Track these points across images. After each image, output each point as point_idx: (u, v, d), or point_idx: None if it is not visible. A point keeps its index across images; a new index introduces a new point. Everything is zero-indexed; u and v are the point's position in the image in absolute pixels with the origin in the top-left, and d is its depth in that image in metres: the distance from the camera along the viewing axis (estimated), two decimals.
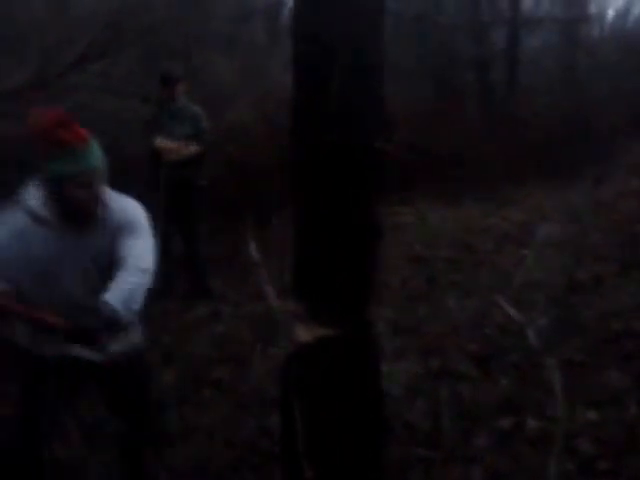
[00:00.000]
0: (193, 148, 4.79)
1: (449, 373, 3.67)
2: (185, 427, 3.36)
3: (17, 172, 2.55)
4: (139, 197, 2.56)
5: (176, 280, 5.05)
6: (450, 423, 3.11)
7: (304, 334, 2.03)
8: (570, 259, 5.37)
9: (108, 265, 2.34)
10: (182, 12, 6.16)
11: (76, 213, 2.31)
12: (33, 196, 2.30)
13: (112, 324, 2.32)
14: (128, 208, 2.44)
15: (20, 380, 2.53)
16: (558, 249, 5.52)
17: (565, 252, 5.52)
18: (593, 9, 13.41)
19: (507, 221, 6.99)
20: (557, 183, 8.35)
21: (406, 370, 3.72)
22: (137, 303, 2.32)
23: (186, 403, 3.60)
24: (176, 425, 3.35)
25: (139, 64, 6.14)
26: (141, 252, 2.37)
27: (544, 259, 5.19)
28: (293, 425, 2.09)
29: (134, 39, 5.22)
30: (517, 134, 9.14)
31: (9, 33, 5.22)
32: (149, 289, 2.37)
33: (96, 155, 2.28)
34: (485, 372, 3.69)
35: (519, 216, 7.09)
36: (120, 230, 2.37)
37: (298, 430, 2.06)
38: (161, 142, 4.72)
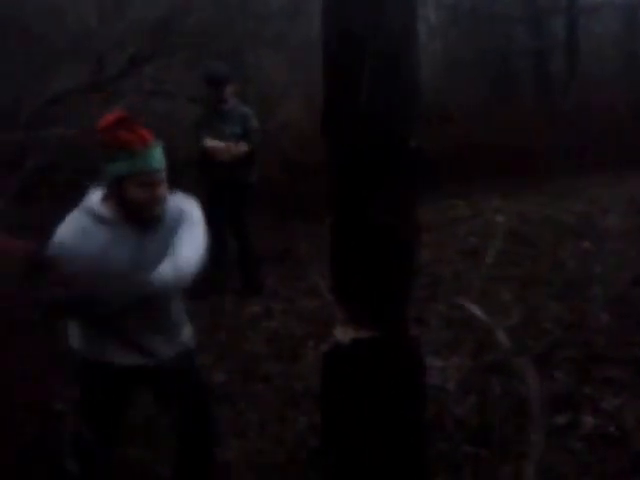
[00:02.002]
0: (243, 148, 4.83)
1: (502, 368, 3.58)
2: (236, 423, 3.38)
3: (75, 174, 2.60)
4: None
5: (228, 278, 5.11)
6: (502, 419, 3.03)
7: (342, 335, 2.03)
8: (634, 252, 5.17)
9: None
10: (232, 11, 6.20)
11: (137, 213, 2.31)
12: (95, 197, 2.34)
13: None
14: (183, 204, 2.45)
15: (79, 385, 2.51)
16: (621, 241, 5.33)
17: (629, 244, 5.32)
18: None
19: (567, 213, 6.79)
20: (619, 174, 8.07)
21: (458, 365, 3.65)
22: (189, 271, 2.29)
23: (238, 399, 3.63)
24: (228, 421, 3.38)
25: (191, 65, 6.21)
26: (192, 236, 2.37)
27: (607, 252, 5.02)
28: (335, 422, 2.08)
29: (185, 41, 5.29)
30: (577, 125, 8.88)
31: (62, 39, 5.36)
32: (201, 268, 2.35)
33: (158, 157, 2.27)
34: (540, 367, 3.58)
35: (579, 208, 6.89)
36: (177, 226, 2.37)
37: (339, 427, 2.06)
38: (211, 142, 4.78)
